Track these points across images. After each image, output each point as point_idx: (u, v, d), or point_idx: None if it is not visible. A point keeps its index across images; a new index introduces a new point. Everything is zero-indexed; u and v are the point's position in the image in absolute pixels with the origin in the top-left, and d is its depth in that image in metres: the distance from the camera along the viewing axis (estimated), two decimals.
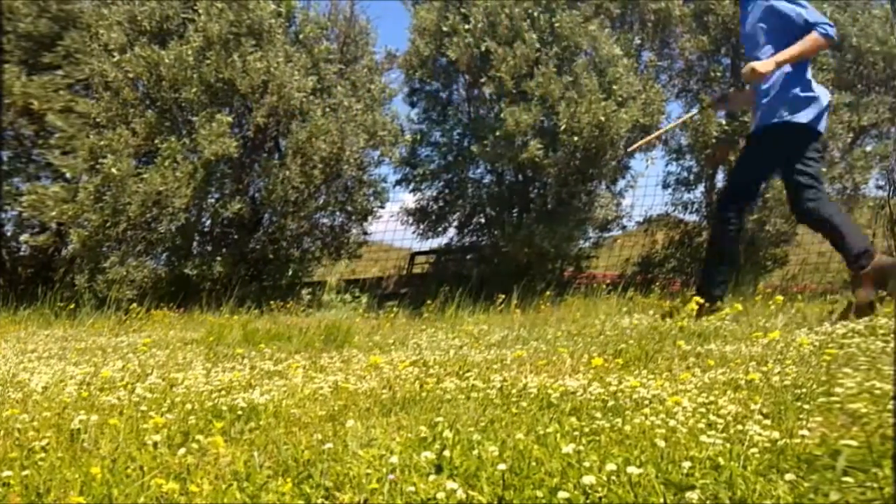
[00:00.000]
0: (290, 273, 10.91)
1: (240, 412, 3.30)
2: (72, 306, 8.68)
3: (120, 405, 3.40)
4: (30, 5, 10.21)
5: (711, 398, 3.36)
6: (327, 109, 10.45)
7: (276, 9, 10.40)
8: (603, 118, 9.71)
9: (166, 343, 5.77)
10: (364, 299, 10.33)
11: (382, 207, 11.73)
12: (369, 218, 11.69)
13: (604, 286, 9.32)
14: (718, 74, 11.66)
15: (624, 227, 12.26)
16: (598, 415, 3.16)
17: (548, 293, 8.89)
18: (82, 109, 9.86)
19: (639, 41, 11.18)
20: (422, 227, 11.77)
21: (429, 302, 8.68)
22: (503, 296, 8.60)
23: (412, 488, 2.38)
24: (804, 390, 3.53)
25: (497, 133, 10.03)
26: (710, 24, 11.29)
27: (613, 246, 13.07)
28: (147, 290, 9.66)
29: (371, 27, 11.88)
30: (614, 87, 10.08)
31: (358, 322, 7.35)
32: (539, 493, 2.35)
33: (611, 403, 3.38)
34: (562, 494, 2.29)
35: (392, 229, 13.23)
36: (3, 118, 10.06)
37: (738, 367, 4.23)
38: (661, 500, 2.27)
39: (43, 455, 2.66)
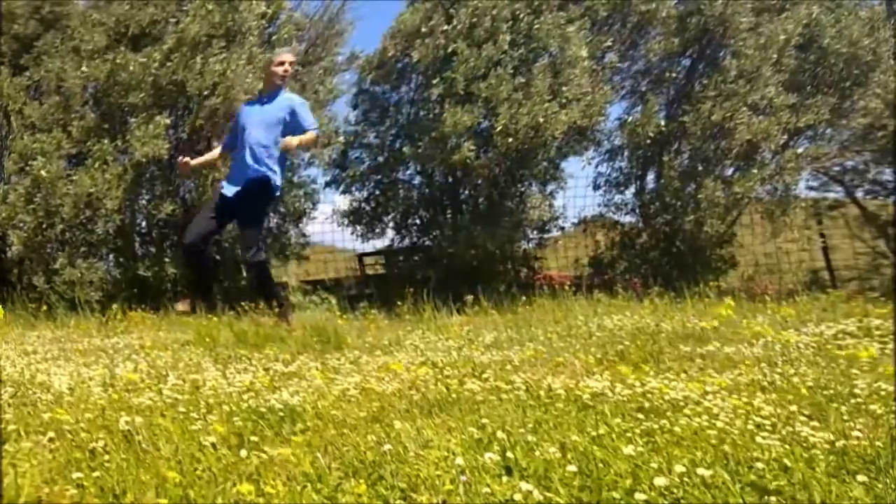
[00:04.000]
0: (245, 275, 10.87)
1: (280, 413, 3.29)
2: (44, 308, 8.59)
3: (157, 407, 3.38)
4: (25, 6, 10.10)
5: (744, 400, 3.42)
6: None
7: (265, 10, 10.34)
8: (542, 119, 9.75)
9: (163, 345, 5.72)
10: (333, 301, 10.30)
11: (314, 209, 11.68)
12: (304, 219, 11.60)
13: (566, 287, 9.39)
14: (673, 76, 11.77)
15: (562, 229, 12.30)
16: (642, 416, 3.20)
17: (517, 295, 8.94)
18: (28, 112, 9.77)
19: (609, 42, 11.23)
20: (359, 228, 11.79)
21: (399, 303, 8.69)
22: (472, 297, 8.65)
23: (487, 489, 2.39)
24: (831, 391, 3.61)
25: (433, 134, 10.07)
26: (691, 26, 11.36)
27: (557, 247, 13.07)
28: (108, 291, 9.56)
29: (349, 28, 11.80)
30: (563, 88, 10.13)
31: (340, 324, 7.33)
32: (616, 495, 2.38)
33: (647, 405, 3.43)
34: (639, 496, 2.32)
35: (331, 230, 13.16)
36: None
37: (751, 369, 4.31)
38: (741, 502, 2.31)
39: (106, 457, 2.64)
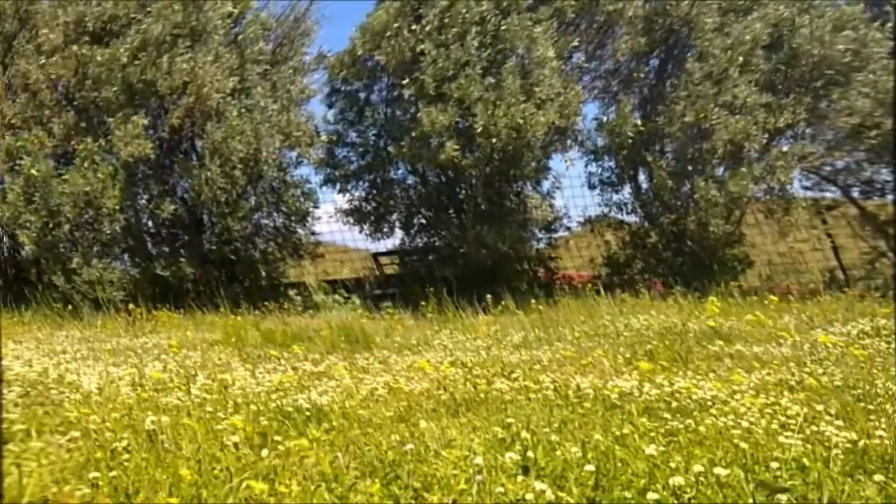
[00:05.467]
0: (264, 274, 10.93)
1: (307, 413, 3.31)
2: (70, 307, 8.67)
3: (184, 406, 3.39)
4: (11, 6, 10.26)
5: (771, 399, 3.40)
6: (243, 110, 10.37)
7: (231, 10, 10.43)
8: (521, 120, 9.71)
9: (191, 344, 5.75)
10: (356, 300, 10.32)
11: (316, 207, 11.67)
12: (309, 219, 11.58)
13: (588, 287, 9.38)
14: (642, 76, 11.72)
15: (569, 229, 12.28)
16: (668, 416, 3.19)
17: (539, 294, 8.93)
18: (5, 110, 9.91)
19: (576, 42, 11.19)
20: (365, 228, 11.82)
21: (423, 303, 8.71)
22: (494, 297, 8.65)
23: (500, 489, 2.40)
24: (859, 391, 3.59)
25: (413, 134, 10.05)
26: (657, 26, 11.30)
27: (569, 247, 13.02)
28: (131, 290, 9.64)
29: (316, 28, 11.89)
30: (536, 88, 10.07)
31: (366, 323, 7.35)
32: (628, 494, 2.38)
33: (674, 405, 3.42)
34: (651, 496, 2.32)
35: (339, 230, 13.13)
36: None
37: (780, 368, 4.28)
38: (751, 501, 2.30)
39: (127, 456, 2.65)
